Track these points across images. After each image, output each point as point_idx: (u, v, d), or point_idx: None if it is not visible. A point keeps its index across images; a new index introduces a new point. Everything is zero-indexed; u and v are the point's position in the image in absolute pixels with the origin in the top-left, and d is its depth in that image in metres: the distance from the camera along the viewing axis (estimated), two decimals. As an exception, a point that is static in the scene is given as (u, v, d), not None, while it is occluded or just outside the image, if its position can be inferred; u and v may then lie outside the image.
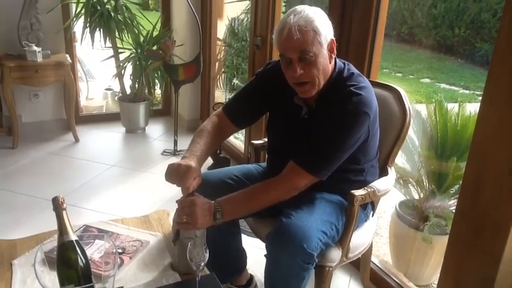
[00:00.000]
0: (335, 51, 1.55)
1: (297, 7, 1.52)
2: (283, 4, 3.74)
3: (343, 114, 1.50)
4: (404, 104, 1.79)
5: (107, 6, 3.70)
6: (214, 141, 1.70)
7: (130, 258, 1.56)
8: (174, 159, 3.55)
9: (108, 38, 3.78)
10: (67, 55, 3.66)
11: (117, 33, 3.77)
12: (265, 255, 1.53)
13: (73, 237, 1.21)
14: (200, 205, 1.43)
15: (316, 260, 1.50)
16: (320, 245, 1.49)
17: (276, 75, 1.62)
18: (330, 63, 1.55)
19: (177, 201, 1.47)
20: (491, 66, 1.31)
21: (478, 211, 1.39)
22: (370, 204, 1.75)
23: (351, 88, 1.51)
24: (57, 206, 1.20)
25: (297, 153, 1.54)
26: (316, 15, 1.48)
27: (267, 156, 1.87)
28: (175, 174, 1.48)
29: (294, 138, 1.65)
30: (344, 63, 1.63)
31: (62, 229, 1.20)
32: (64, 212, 1.20)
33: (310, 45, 1.46)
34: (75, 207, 2.71)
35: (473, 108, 2.14)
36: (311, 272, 1.52)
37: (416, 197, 2.42)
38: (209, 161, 3.20)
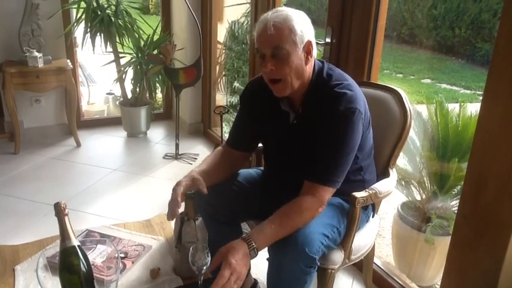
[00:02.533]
0: (312, 53, 1.54)
1: (280, 7, 1.55)
2: (283, 7, 3.75)
3: (336, 117, 1.49)
4: (405, 106, 1.78)
5: (108, 11, 3.72)
6: (222, 163, 1.71)
7: (132, 262, 1.56)
8: (176, 163, 3.56)
9: (108, 43, 3.79)
10: (68, 60, 3.67)
11: (117, 37, 3.79)
12: (267, 259, 1.52)
13: (75, 242, 1.21)
14: (236, 264, 1.34)
15: (318, 263, 1.49)
16: (322, 248, 1.48)
17: (257, 89, 1.64)
18: (306, 64, 1.53)
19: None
20: (492, 66, 1.31)
21: (480, 212, 1.39)
22: (371, 206, 1.75)
23: (335, 89, 1.50)
24: (59, 211, 1.20)
25: (309, 173, 1.52)
26: (296, 17, 1.49)
27: (264, 163, 1.87)
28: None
29: (286, 145, 1.65)
30: (322, 63, 1.61)
31: (64, 235, 1.20)
32: (66, 218, 1.21)
33: (283, 42, 1.46)
34: (78, 212, 2.71)
35: (474, 108, 2.14)
36: (313, 275, 1.52)
37: (418, 198, 2.42)
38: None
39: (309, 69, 1.55)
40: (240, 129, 1.79)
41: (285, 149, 1.67)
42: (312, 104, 1.56)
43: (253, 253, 1.40)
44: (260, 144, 1.88)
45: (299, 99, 1.59)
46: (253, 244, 1.39)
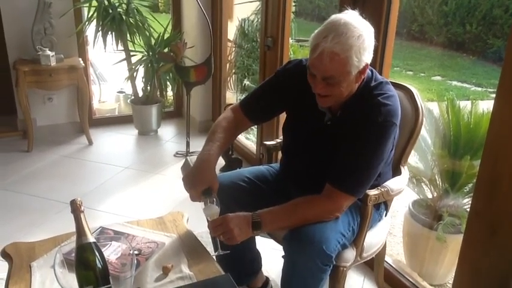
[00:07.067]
0: (366, 71, 1.49)
1: (342, 21, 1.41)
2: (294, 4, 3.75)
3: (373, 128, 1.46)
4: (416, 103, 1.78)
5: (119, 9, 3.74)
6: (229, 137, 1.70)
7: (146, 259, 1.58)
8: (187, 161, 3.57)
9: (120, 41, 3.82)
10: (80, 59, 3.70)
11: (128, 36, 3.81)
12: (282, 257, 1.53)
13: (91, 239, 1.23)
14: (230, 219, 1.45)
15: (335, 262, 1.50)
16: (338, 247, 1.50)
17: (299, 76, 1.58)
18: (357, 82, 1.50)
19: (208, 227, 1.50)
20: (505, 63, 1.30)
21: (492, 209, 1.38)
22: (383, 204, 1.75)
23: (379, 98, 1.48)
24: (75, 208, 1.22)
25: (334, 177, 1.51)
26: (357, 40, 1.39)
27: (281, 156, 1.87)
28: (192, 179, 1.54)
29: (315, 142, 1.63)
30: (372, 72, 1.56)
31: (80, 231, 1.22)
32: (82, 215, 1.23)
33: (337, 73, 1.42)
34: (90, 210, 2.74)
35: (486, 105, 2.13)
36: (328, 273, 1.52)
37: (429, 196, 2.41)
38: (221, 162, 3.22)
39: (358, 83, 1.52)
40: (262, 102, 1.73)
41: (311, 146, 1.64)
42: (353, 109, 1.52)
43: (256, 225, 1.46)
44: (277, 140, 1.89)
45: (340, 103, 1.56)
46: (258, 218, 1.47)
